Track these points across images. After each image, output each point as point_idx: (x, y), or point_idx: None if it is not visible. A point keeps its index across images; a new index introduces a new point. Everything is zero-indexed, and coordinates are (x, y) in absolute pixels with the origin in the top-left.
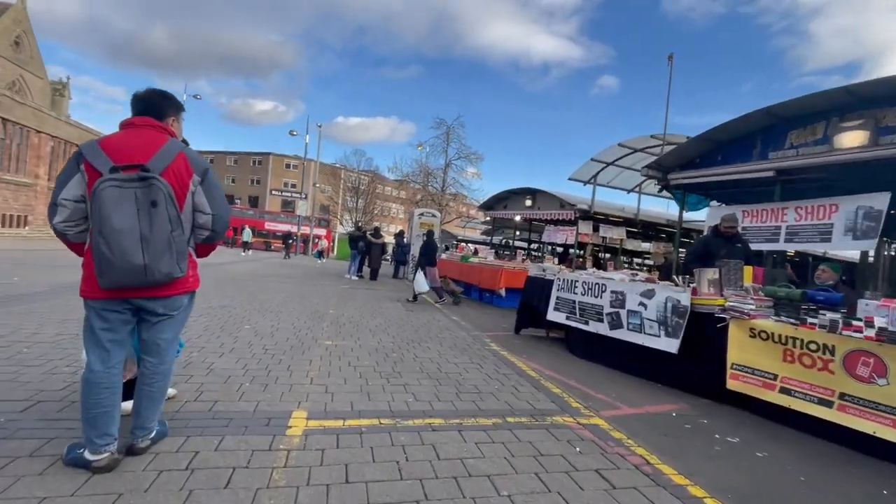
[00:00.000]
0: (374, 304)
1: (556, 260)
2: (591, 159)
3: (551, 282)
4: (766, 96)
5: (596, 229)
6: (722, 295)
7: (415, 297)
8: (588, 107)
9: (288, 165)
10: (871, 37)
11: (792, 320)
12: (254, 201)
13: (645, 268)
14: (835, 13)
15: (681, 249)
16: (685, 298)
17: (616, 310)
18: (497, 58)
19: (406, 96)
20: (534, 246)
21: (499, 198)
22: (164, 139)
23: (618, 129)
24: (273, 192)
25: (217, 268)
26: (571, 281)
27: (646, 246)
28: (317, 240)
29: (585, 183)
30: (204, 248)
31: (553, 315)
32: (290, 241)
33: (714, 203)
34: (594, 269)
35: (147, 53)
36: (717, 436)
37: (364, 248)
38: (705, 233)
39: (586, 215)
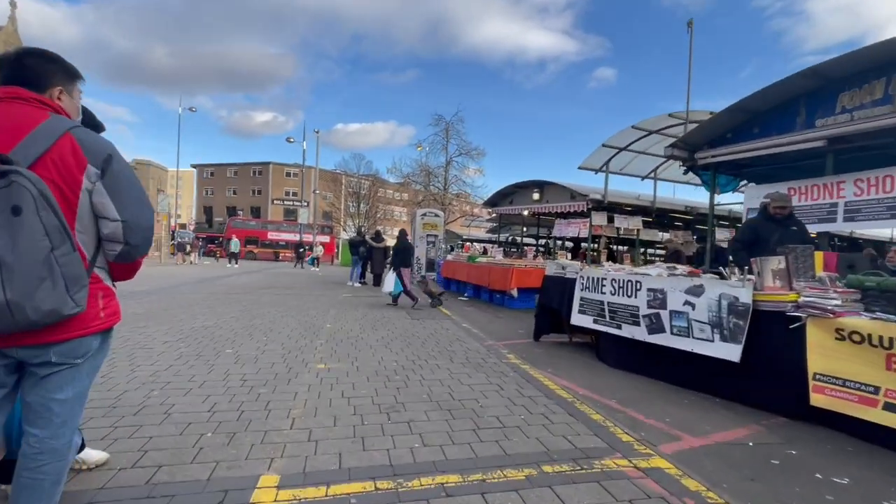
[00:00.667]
0: (377, 313)
1: (569, 255)
2: (603, 145)
3: (572, 281)
4: (766, 79)
5: (611, 220)
6: (792, 289)
7: (414, 302)
8: (587, 99)
9: (288, 174)
10: (870, 11)
11: (894, 317)
12: (256, 212)
13: (657, 258)
14: None
15: (694, 238)
16: (745, 294)
17: (655, 311)
18: (493, 56)
19: (405, 100)
20: (542, 241)
21: (504, 193)
22: (40, 116)
23: (619, 119)
24: (275, 201)
25: (212, 282)
26: (597, 279)
27: (663, 236)
28: (310, 247)
29: (597, 171)
30: (121, 269)
31: (578, 319)
32: (303, 249)
33: (744, 183)
34: (609, 262)
35: (147, 72)
36: (818, 475)
37: (365, 253)
38: (745, 217)
39: (600, 205)
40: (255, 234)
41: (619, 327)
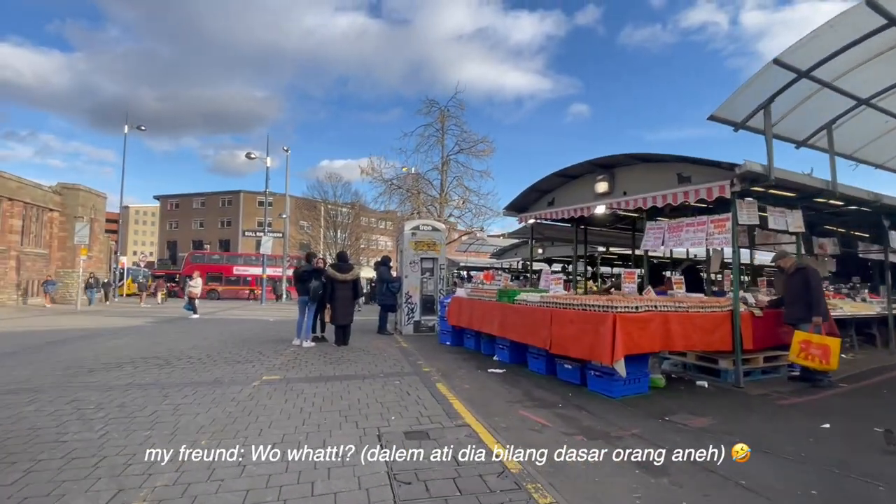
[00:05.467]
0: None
1: (682, 286)
2: (774, 61)
3: None
4: None
5: (762, 212)
6: None
7: None
8: (565, 132)
9: (261, 203)
10: None
11: None
12: (225, 245)
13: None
14: (777, 33)
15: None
16: None
17: None
18: (473, 95)
19: (390, 137)
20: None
21: (539, 190)
22: None
23: (597, 150)
24: (246, 233)
25: (72, 344)
26: None
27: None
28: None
29: (737, 127)
30: None
31: None
32: (147, 281)
33: None
34: (766, 296)
35: (134, 116)
36: None
37: (321, 288)
38: None
39: (751, 188)
40: (219, 269)
41: None
